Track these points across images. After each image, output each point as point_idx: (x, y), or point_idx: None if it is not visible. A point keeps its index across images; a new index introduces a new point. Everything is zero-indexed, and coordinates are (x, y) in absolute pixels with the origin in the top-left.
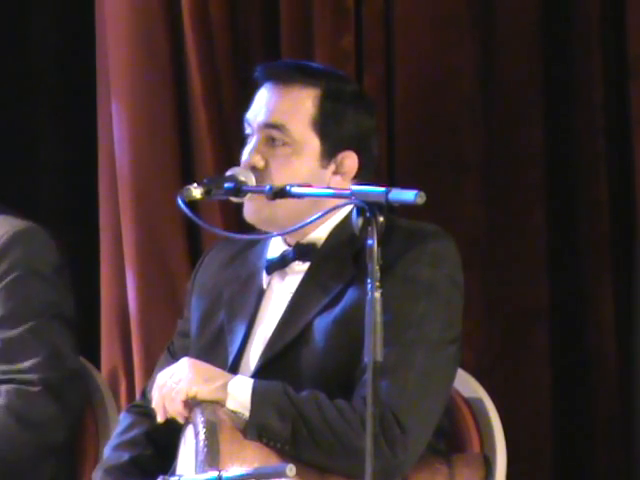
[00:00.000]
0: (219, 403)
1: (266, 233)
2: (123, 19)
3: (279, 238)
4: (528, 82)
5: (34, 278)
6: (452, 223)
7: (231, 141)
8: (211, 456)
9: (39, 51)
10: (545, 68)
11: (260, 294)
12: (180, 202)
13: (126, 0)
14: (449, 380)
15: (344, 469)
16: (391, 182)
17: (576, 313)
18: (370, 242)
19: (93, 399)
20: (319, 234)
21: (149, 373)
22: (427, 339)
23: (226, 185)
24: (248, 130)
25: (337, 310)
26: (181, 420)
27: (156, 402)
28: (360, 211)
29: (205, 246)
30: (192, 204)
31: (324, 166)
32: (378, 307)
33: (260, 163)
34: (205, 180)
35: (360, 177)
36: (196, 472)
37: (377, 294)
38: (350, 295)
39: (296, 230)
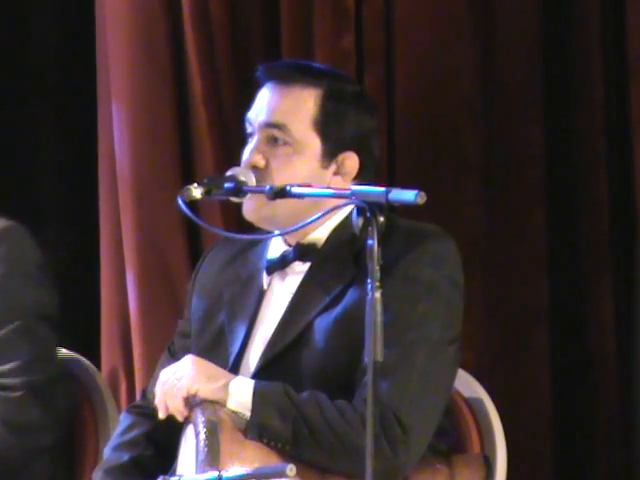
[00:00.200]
0: (220, 403)
1: (266, 233)
2: (123, 19)
3: (279, 238)
4: (528, 82)
5: (19, 277)
6: (452, 223)
7: (231, 141)
8: (211, 456)
9: (39, 51)
10: (545, 68)
11: (260, 294)
12: (180, 202)
13: (126, 0)
14: (449, 380)
15: (345, 469)
16: (391, 182)
17: (576, 313)
18: (370, 242)
19: (93, 399)
20: (319, 234)
21: (149, 373)
22: (427, 340)
23: (226, 185)
24: (249, 129)
25: (337, 310)
26: (180, 419)
27: (158, 398)
28: (360, 211)
29: (205, 246)
30: (192, 204)
31: (325, 166)
32: (378, 307)
33: (261, 162)
34: (205, 180)
35: (360, 178)
36: (196, 472)
37: (377, 294)
38: (350, 295)
39: (296, 230)
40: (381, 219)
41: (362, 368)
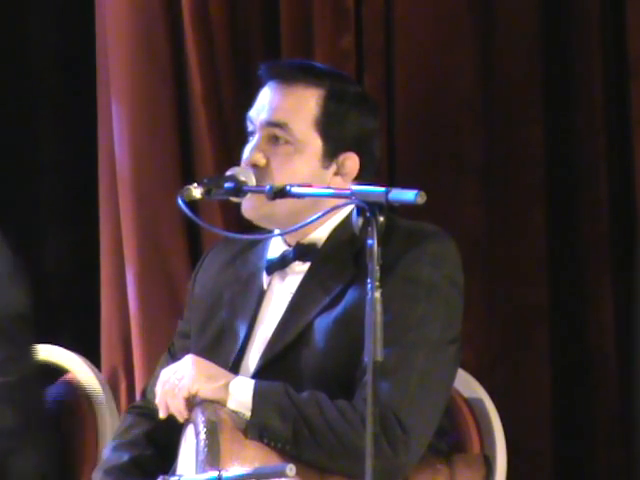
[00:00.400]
0: (220, 403)
1: (266, 233)
2: (123, 19)
3: (279, 238)
4: (528, 82)
5: None
6: (452, 223)
7: (231, 141)
8: (211, 456)
9: (39, 51)
10: (545, 68)
11: (261, 294)
12: (180, 202)
13: (126, 0)
14: (450, 380)
15: (345, 469)
16: (391, 182)
17: (576, 313)
18: (370, 242)
19: (93, 399)
20: (319, 234)
21: (149, 373)
22: (427, 340)
23: (226, 185)
24: (250, 128)
25: (337, 310)
26: (181, 419)
27: (159, 398)
28: (360, 211)
29: (205, 246)
30: (192, 204)
31: (325, 166)
32: (378, 307)
33: (261, 161)
34: (205, 180)
35: (361, 178)
36: (196, 472)
37: (377, 294)
38: (350, 295)
39: (296, 230)
40: (381, 219)
41: (362, 368)
